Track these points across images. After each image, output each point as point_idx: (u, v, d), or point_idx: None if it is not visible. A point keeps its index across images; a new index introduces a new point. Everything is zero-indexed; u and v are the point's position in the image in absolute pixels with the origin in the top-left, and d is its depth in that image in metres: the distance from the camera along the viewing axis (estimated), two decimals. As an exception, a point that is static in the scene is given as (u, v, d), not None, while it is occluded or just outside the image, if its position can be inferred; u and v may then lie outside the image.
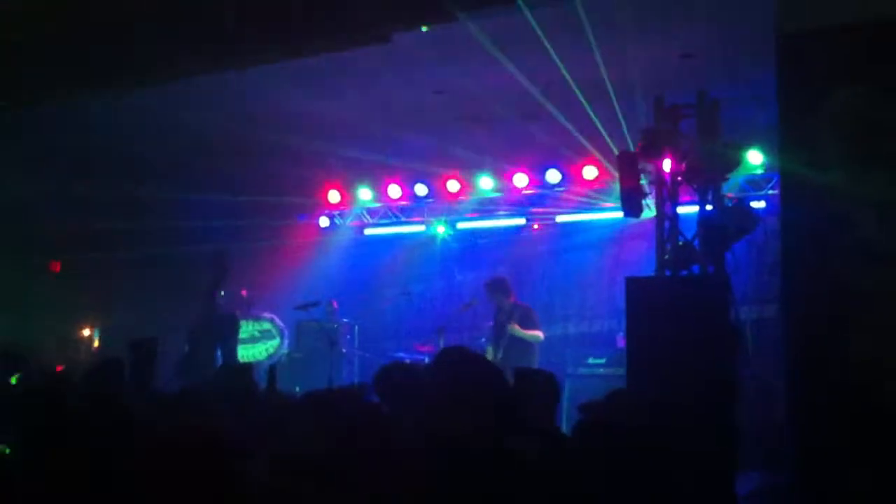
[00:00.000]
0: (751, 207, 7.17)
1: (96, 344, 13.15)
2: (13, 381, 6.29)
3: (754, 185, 10.14)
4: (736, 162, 7.11)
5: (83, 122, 9.47)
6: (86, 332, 13.37)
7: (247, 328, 11.81)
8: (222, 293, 8.95)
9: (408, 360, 9.35)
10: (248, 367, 6.84)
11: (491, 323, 9.90)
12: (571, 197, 11.35)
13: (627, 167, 6.99)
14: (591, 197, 11.20)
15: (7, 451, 4.35)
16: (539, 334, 9.55)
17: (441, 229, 12.41)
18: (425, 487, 2.91)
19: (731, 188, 9.59)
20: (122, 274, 12.10)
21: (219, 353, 8.69)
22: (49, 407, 4.84)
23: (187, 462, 2.86)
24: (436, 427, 3.30)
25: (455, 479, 2.86)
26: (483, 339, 9.96)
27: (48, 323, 12.06)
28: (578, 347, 10.63)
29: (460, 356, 3.58)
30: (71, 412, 4.71)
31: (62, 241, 12.29)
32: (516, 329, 9.44)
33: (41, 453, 4.08)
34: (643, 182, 7.23)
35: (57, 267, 13.32)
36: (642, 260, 9.87)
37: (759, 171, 9.94)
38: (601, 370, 9.92)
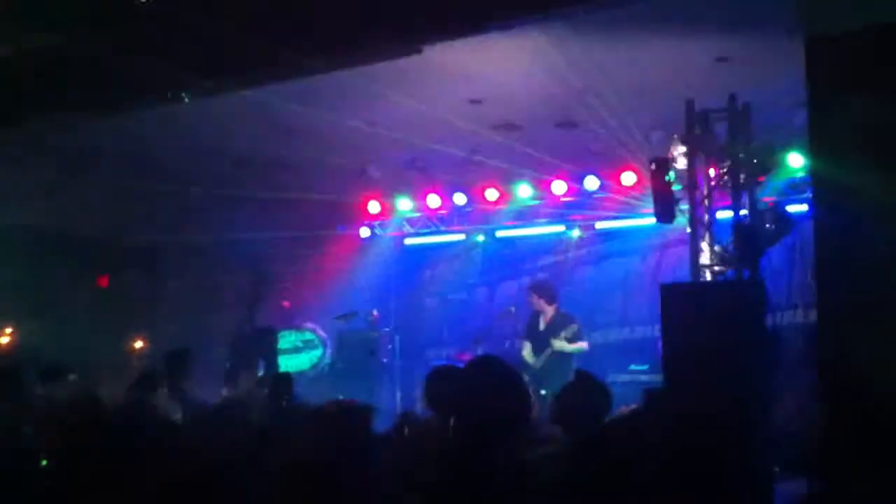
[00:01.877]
0: (786, 211, 7.08)
1: (144, 357, 13.39)
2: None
3: (795, 188, 9.98)
4: (771, 165, 7.04)
5: (127, 136, 9.65)
6: (137, 345, 13.63)
7: (289, 338, 11.94)
8: (262, 306, 9.09)
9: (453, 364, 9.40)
10: (288, 378, 6.91)
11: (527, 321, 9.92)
12: (610, 203, 11.31)
13: (660, 173, 6.97)
14: (630, 203, 11.14)
15: (45, 462, 4.47)
16: (584, 345, 9.57)
17: (480, 238, 12.44)
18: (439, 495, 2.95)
19: (772, 192, 9.49)
20: (168, 287, 12.31)
21: (260, 364, 8.82)
22: (88, 419, 4.97)
23: (209, 473, 2.94)
24: (456, 436, 3.35)
25: (465, 485, 2.90)
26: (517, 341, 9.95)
27: (96, 337, 12.30)
28: (619, 354, 10.58)
29: (484, 367, 3.61)
30: (109, 424, 4.84)
31: (109, 256, 12.54)
32: (564, 345, 9.46)
33: (79, 465, 4.19)
34: (677, 187, 7.19)
35: (104, 281, 13.59)
36: (683, 266, 9.81)
37: (800, 174, 9.80)
38: (643, 377, 9.85)
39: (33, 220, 11.51)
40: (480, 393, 3.30)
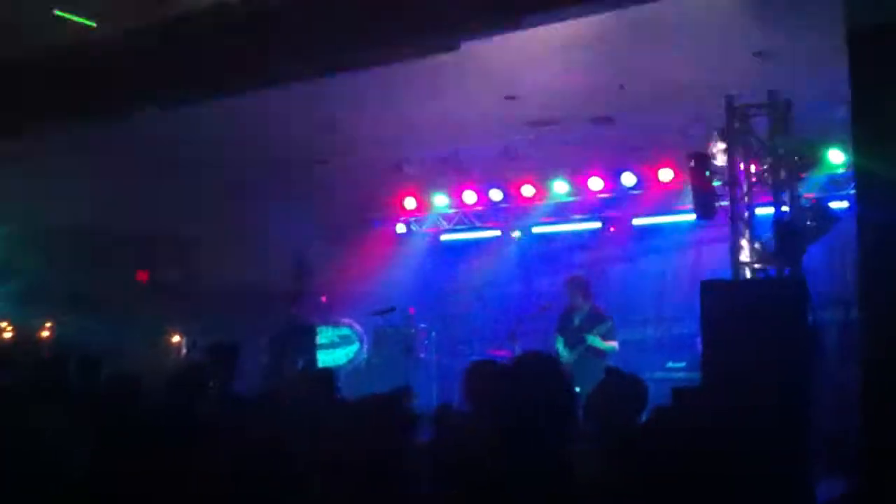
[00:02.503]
0: (828, 207, 7.01)
1: (183, 351, 13.52)
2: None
3: (836, 184, 9.84)
4: (812, 161, 6.97)
5: (169, 132, 9.73)
6: (174, 339, 13.76)
7: (326, 334, 12.01)
8: (301, 301, 9.14)
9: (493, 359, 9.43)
10: (329, 373, 6.92)
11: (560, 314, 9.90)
12: (647, 199, 11.24)
13: (699, 168, 6.92)
14: (667, 199, 11.06)
15: (86, 452, 4.52)
16: (615, 345, 9.55)
17: (516, 234, 12.42)
18: (480, 489, 2.95)
19: (812, 188, 9.37)
20: (208, 282, 12.41)
21: (300, 360, 8.87)
22: (126, 411, 5.04)
23: (250, 465, 2.97)
24: (500, 431, 3.34)
25: (511, 480, 2.89)
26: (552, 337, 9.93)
27: (136, 331, 12.43)
28: (656, 351, 10.53)
29: (533, 363, 3.61)
30: (146, 416, 4.90)
31: (150, 252, 12.67)
32: (598, 340, 9.44)
33: (117, 455, 4.24)
34: (717, 183, 7.13)
35: (144, 276, 13.73)
36: (721, 263, 9.73)
37: (841, 171, 9.66)
38: (680, 374, 9.80)
39: (73, 217, 11.65)
40: (529, 388, 3.28)
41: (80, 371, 6.39)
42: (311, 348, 9.25)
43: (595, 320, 9.68)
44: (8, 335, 13.27)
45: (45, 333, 13.54)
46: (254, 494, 3.53)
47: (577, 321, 9.80)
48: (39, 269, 11.87)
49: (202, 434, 4.33)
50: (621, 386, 5.18)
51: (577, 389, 8.40)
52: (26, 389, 5.58)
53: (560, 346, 9.73)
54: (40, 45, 7.71)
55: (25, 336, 13.14)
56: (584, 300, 9.77)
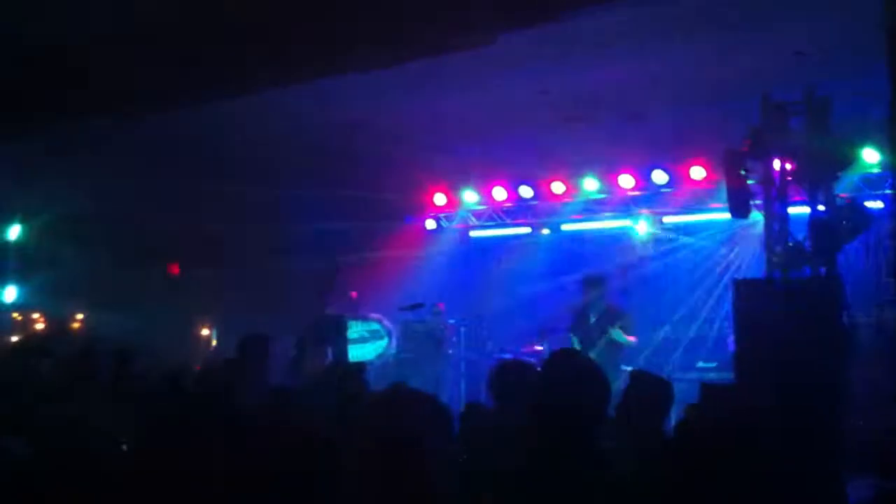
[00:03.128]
0: (864, 206, 6.94)
1: (213, 343, 13.64)
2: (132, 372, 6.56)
3: (871, 183, 9.78)
4: (849, 160, 6.90)
5: (198, 127, 9.82)
6: (204, 332, 13.88)
7: (356, 328, 12.05)
8: (332, 297, 9.17)
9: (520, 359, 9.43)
10: (359, 367, 6.95)
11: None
12: (679, 198, 11.19)
13: (733, 167, 6.87)
14: (699, 197, 11.01)
15: (124, 445, 4.56)
16: (634, 340, 9.52)
17: (545, 231, 12.40)
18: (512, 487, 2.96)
19: (846, 187, 9.28)
20: (238, 276, 12.50)
21: (329, 353, 8.90)
22: (165, 403, 5.08)
23: (287, 459, 2.99)
24: (535, 427, 3.33)
25: (547, 478, 2.89)
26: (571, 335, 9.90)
27: (167, 323, 12.54)
28: (687, 350, 10.48)
29: (566, 363, 3.60)
30: (184, 408, 4.94)
31: (180, 245, 12.77)
32: (620, 334, 9.40)
33: (157, 447, 4.28)
34: (750, 182, 7.08)
35: (175, 269, 13.85)
36: (754, 261, 9.68)
37: (876, 170, 9.59)
38: (711, 374, 9.74)
39: (104, 210, 11.76)
40: (565, 385, 3.26)
41: (116, 363, 6.45)
42: (341, 342, 9.29)
43: (613, 315, 9.63)
44: (40, 326, 13.46)
45: (76, 325, 13.72)
46: (290, 486, 3.55)
47: (592, 318, 9.76)
48: (73, 261, 12.00)
49: (239, 426, 4.36)
50: (649, 388, 5.18)
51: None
52: (65, 380, 5.64)
53: (575, 345, 9.69)
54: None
55: (58, 327, 13.31)
56: (599, 297, 9.72)
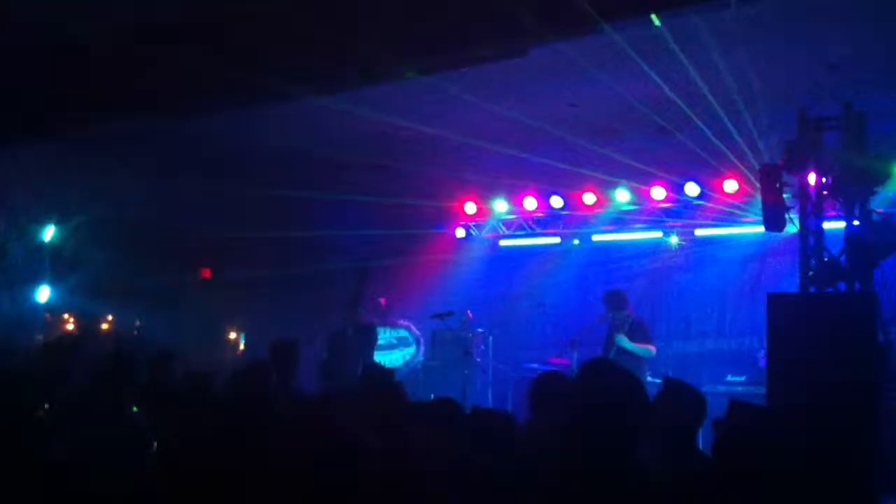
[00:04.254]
0: (901, 223, 6.88)
1: (242, 347, 13.72)
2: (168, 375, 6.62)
3: (906, 200, 9.70)
4: (885, 175, 6.85)
5: (231, 134, 9.89)
6: (232, 336, 13.98)
7: (384, 335, 12.09)
8: (364, 303, 9.20)
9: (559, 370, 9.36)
10: (391, 372, 6.97)
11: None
12: (711, 210, 11.14)
13: (770, 180, 6.84)
14: (731, 210, 10.95)
15: (156, 445, 4.61)
16: (651, 348, 9.38)
17: (576, 242, 12.38)
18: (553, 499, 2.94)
19: (881, 203, 9.21)
20: (267, 281, 12.58)
21: (359, 359, 8.94)
22: (197, 407, 5.12)
23: (322, 461, 3.00)
24: (571, 439, 3.31)
25: (581, 493, 2.87)
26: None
27: (198, 326, 12.63)
28: (716, 364, 10.41)
29: (603, 368, 3.57)
30: (216, 409, 4.98)
31: (212, 250, 12.88)
32: (624, 339, 9.28)
33: (188, 450, 4.31)
34: (786, 196, 7.04)
35: (207, 273, 13.96)
36: (785, 276, 9.60)
37: (912, 187, 9.50)
38: (739, 388, 9.67)
39: (137, 214, 11.88)
40: (603, 397, 3.22)
41: (150, 366, 6.51)
42: (370, 348, 9.33)
43: (622, 323, 9.52)
44: (70, 326, 13.60)
45: (106, 326, 13.85)
46: (322, 490, 3.57)
47: (607, 331, 9.70)
48: (105, 264, 12.13)
49: (271, 429, 4.39)
50: (680, 396, 5.14)
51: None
52: (99, 382, 5.69)
53: None
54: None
55: (88, 328, 13.45)
56: (621, 311, 9.62)
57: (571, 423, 3.27)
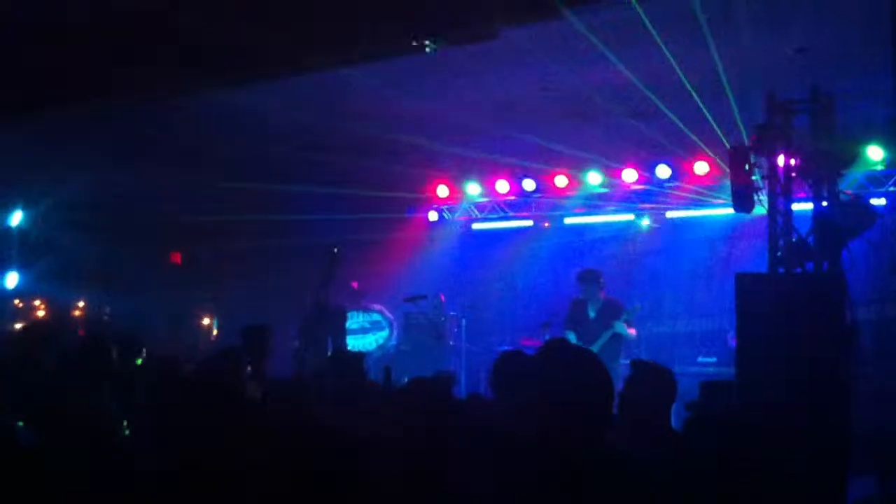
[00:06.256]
0: (868, 204, 6.94)
1: (214, 332, 13.66)
2: (138, 362, 6.58)
3: (875, 181, 9.83)
4: (853, 157, 6.92)
5: (200, 118, 9.82)
6: (205, 321, 13.90)
7: (356, 319, 12.08)
8: (333, 287, 9.18)
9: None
10: (360, 356, 6.98)
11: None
12: (682, 193, 11.21)
13: (739, 162, 6.88)
14: (701, 193, 11.03)
15: (127, 432, 4.58)
16: (633, 333, 9.57)
17: (548, 224, 12.42)
18: (517, 482, 2.95)
19: (850, 184, 9.34)
20: (238, 266, 12.52)
21: (330, 343, 8.93)
22: (165, 390, 5.09)
23: (296, 447, 2.99)
24: (537, 419, 3.31)
25: (546, 476, 2.88)
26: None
27: (168, 311, 12.56)
28: (687, 346, 10.51)
29: (563, 349, 3.58)
30: (186, 395, 4.95)
31: (182, 234, 12.78)
32: (624, 327, 9.43)
33: (160, 436, 4.28)
34: (755, 178, 7.10)
35: (177, 258, 13.86)
36: (755, 258, 9.69)
37: (880, 167, 9.63)
38: (711, 369, 9.77)
39: (106, 198, 11.76)
40: (564, 376, 3.21)
41: (121, 353, 6.46)
42: (341, 332, 9.32)
43: (615, 309, 9.64)
44: (41, 313, 13.47)
45: (77, 312, 13.73)
46: (296, 476, 3.56)
47: (592, 314, 9.77)
48: (74, 248, 12.01)
49: (243, 415, 4.38)
50: (651, 377, 5.19)
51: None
52: (70, 368, 5.65)
53: (573, 341, 9.71)
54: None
55: (59, 314, 13.33)
56: (597, 291, 9.74)
57: (531, 403, 3.26)
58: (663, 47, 7.53)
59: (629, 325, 9.55)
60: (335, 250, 9.04)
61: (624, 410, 5.03)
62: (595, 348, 9.40)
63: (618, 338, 9.50)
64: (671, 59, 7.81)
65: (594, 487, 2.84)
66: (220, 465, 3.79)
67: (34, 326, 8.62)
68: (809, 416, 5.53)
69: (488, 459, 3.44)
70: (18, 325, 11.62)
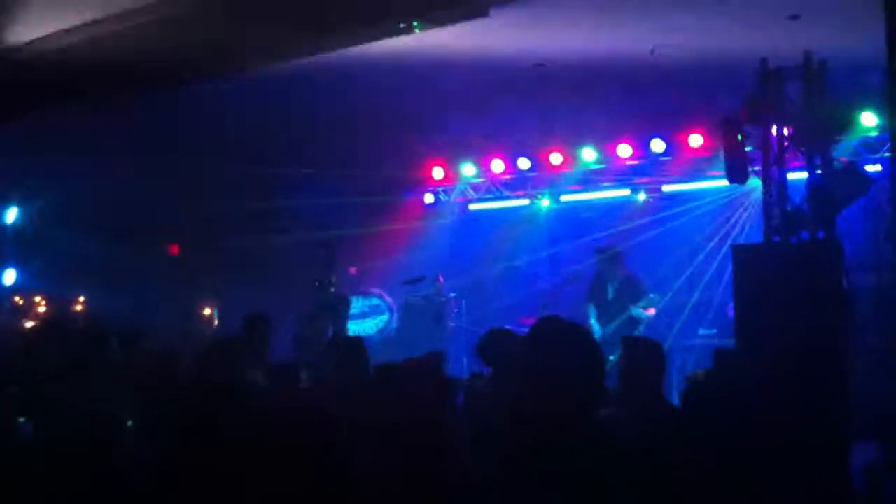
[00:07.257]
0: (862, 170, 6.93)
1: (216, 323, 13.66)
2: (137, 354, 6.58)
3: (869, 147, 9.78)
4: (846, 124, 6.89)
5: (196, 107, 9.79)
6: (206, 312, 13.90)
7: (356, 304, 12.08)
8: (333, 278, 9.19)
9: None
10: (360, 340, 6.99)
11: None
12: (677, 166, 11.19)
13: (731, 132, 6.86)
14: (697, 165, 11.01)
15: (130, 423, 4.59)
16: (652, 312, 9.59)
17: (545, 202, 12.40)
18: (508, 458, 2.94)
19: (845, 151, 9.29)
20: (238, 255, 12.50)
21: (331, 331, 8.94)
22: (165, 381, 5.10)
23: (296, 433, 2.99)
24: (524, 396, 3.29)
25: (538, 452, 2.87)
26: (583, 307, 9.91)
27: (167, 303, 12.55)
28: (688, 318, 10.50)
29: (555, 326, 3.56)
30: (186, 385, 4.96)
31: (179, 225, 12.77)
32: (641, 312, 9.47)
33: (160, 425, 4.29)
34: (748, 148, 7.07)
35: (175, 249, 13.85)
36: (752, 228, 9.69)
37: (874, 133, 9.59)
38: (713, 341, 9.77)
39: (101, 192, 11.74)
40: (548, 350, 3.18)
41: (122, 345, 6.47)
42: (343, 318, 9.32)
43: (634, 291, 9.65)
44: (42, 309, 13.47)
45: (79, 307, 13.73)
46: (297, 462, 3.57)
47: (611, 293, 9.78)
48: (72, 243, 11.99)
49: (246, 403, 4.38)
50: (640, 351, 5.24)
51: (613, 358, 8.51)
52: (72, 362, 5.66)
53: (593, 320, 9.71)
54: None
55: (60, 310, 13.33)
56: (617, 270, 9.75)
57: (520, 378, 3.24)
58: (654, 18, 7.51)
59: (630, 297, 9.55)
60: (332, 238, 9.04)
61: (619, 386, 5.07)
62: (611, 329, 9.43)
63: (635, 320, 9.52)
64: (664, 31, 7.78)
65: (569, 465, 2.81)
66: (217, 457, 3.80)
67: (45, 325, 8.65)
68: (805, 383, 5.54)
69: (472, 437, 3.45)
70: (29, 324, 11.64)
